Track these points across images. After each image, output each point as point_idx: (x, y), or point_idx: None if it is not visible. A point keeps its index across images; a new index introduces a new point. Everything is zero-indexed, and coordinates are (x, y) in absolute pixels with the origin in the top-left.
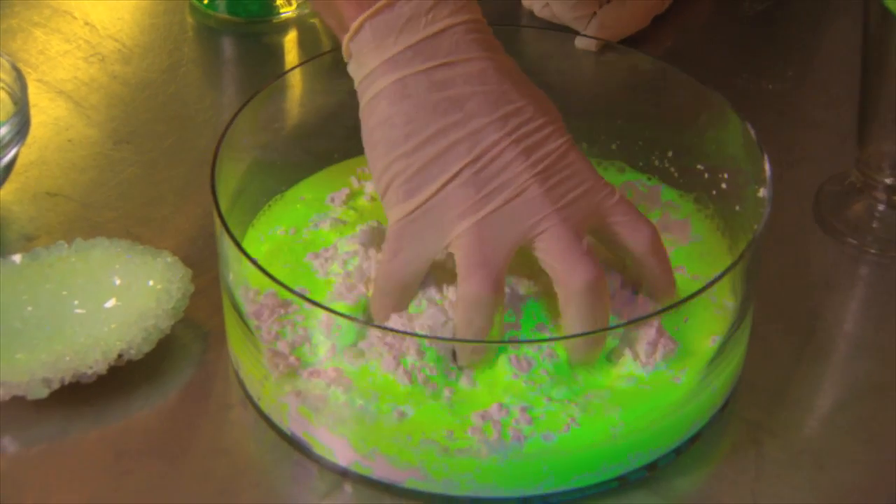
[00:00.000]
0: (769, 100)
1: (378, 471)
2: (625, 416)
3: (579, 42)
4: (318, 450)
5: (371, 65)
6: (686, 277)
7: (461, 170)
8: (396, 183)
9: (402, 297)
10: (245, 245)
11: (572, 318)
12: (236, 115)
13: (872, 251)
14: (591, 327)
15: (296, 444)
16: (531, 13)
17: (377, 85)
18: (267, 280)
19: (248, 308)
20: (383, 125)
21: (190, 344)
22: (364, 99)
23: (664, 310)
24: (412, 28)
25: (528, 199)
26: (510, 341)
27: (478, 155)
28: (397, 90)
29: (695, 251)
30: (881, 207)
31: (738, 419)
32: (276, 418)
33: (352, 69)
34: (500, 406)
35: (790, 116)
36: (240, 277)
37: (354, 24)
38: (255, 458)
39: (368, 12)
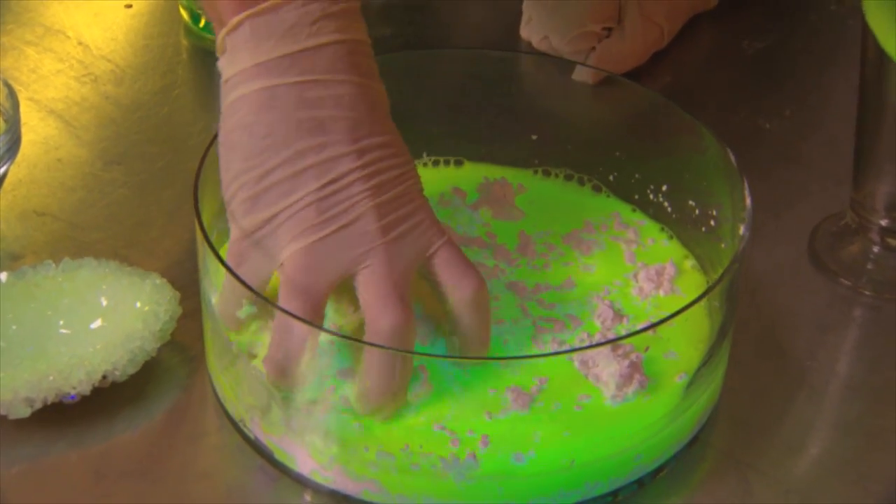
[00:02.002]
0: (766, 139)
1: (338, 481)
2: (584, 444)
3: (577, 74)
4: (280, 457)
5: (243, 64)
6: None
7: (304, 196)
8: (242, 195)
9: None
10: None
11: (368, 362)
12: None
13: (867, 292)
14: (386, 376)
15: (259, 451)
16: (529, 44)
17: (246, 86)
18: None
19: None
20: (243, 131)
21: (175, 367)
22: (228, 97)
23: (629, 335)
24: (293, 36)
25: (359, 230)
26: (469, 357)
27: (326, 183)
28: (265, 98)
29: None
30: (876, 249)
31: (722, 456)
32: (241, 421)
33: (222, 64)
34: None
35: (787, 156)
36: (213, 281)
37: (234, 20)
38: (237, 482)
39: (251, 11)
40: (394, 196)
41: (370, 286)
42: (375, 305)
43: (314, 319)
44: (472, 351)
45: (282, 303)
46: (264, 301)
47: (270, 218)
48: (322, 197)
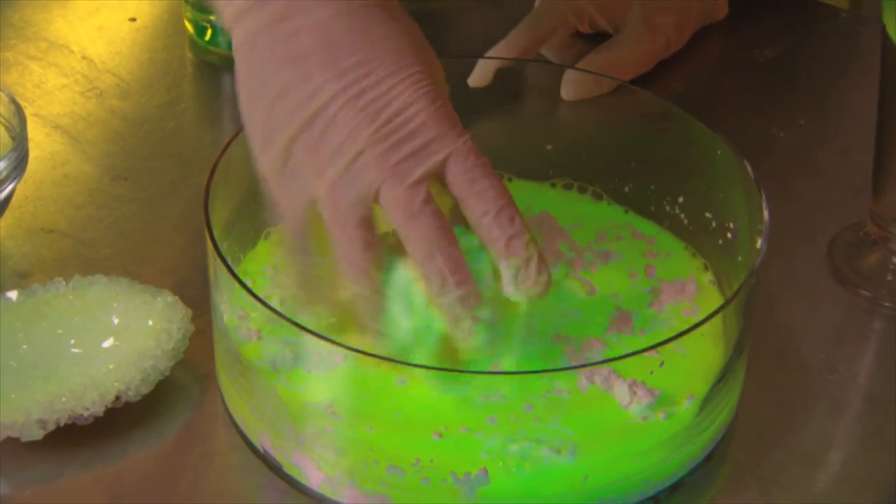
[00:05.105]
0: (781, 148)
1: (347, 496)
2: (597, 461)
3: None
4: (290, 471)
5: (227, 20)
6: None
7: (302, 127)
8: (256, 136)
9: (301, 241)
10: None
11: (423, 273)
12: (230, 142)
13: (886, 304)
14: (442, 280)
15: (270, 466)
16: (540, 53)
17: (234, 37)
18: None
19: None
20: (241, 84)
21: (189, 386)
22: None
23: (641, 351)
24: None
25: (365, 159)
26: (487, 373)
27: (315, 112)
28: (248, 44)
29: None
30: None
31: (742, 470)
32: (251, 435)
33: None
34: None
35: (802, 165)
36: (225, 295)
37: None
38: (250, 500)
39: None
40: (389, 115)
41: (391, 208)
42: (403, 222)
43: (367, 233)
44: (501, 249)
45: (337, 240)
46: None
47: (282, 155)
48: (320, 131)
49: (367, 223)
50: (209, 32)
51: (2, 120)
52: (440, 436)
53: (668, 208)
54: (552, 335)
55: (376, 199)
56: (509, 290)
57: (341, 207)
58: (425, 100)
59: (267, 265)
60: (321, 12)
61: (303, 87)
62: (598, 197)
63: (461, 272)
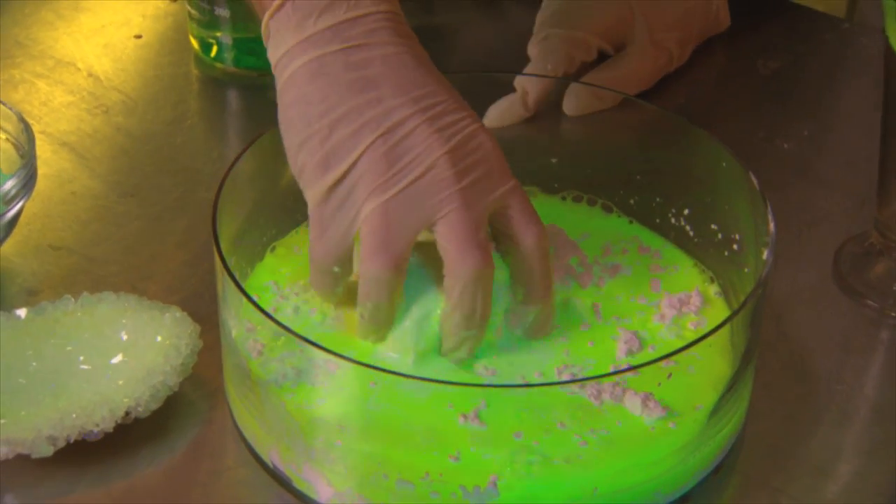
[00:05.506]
0: (785, 159)
1: None
2: (606, 472)
3: (565, 106)
4: (300, 486)
5: (289, 43)
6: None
7: (371, 144)
8: (310, 162)
9: (338, 275)
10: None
11: (453, 303)
12: (237, 159)
13: (893, 314)
14: (469, 316)
15: (279, 480)
16: None
17: (294, 63)
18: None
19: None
20: (299, 103)
21: (198, 402)
22: (281, 78)
23: (648, 363)
24: (333, 10)
25: (435, 178)
26: (496, 385)
27: (388, 129)
28: (314, 68)
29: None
30: None
31: (751, 481)
32: (260, 450)
33: (270, 49)
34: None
35: (807, 176)
36: (233, 311)
37: (276, 3)
38: None
39: None
40: (461, 141)
41: (450, 233)
42: (456, 252)
43: (398, 275)
44: (533, 299)
45: (364, 261)
46: (289, 331)
47: (342, 177)
48: (389, 147)
49: (409, 250)
50: (214, 49)
51: (10, 138)
52: (457, 459)
53: (673, 220)
54: (558, 370)
55: (431, 224)
56: (517, 326)
57: (394, 226)
58: (487, 134)
59: (272, 280)
60: (391, 49)
61: (375, 107)
62: (608, 210)
63: (487, 315)
